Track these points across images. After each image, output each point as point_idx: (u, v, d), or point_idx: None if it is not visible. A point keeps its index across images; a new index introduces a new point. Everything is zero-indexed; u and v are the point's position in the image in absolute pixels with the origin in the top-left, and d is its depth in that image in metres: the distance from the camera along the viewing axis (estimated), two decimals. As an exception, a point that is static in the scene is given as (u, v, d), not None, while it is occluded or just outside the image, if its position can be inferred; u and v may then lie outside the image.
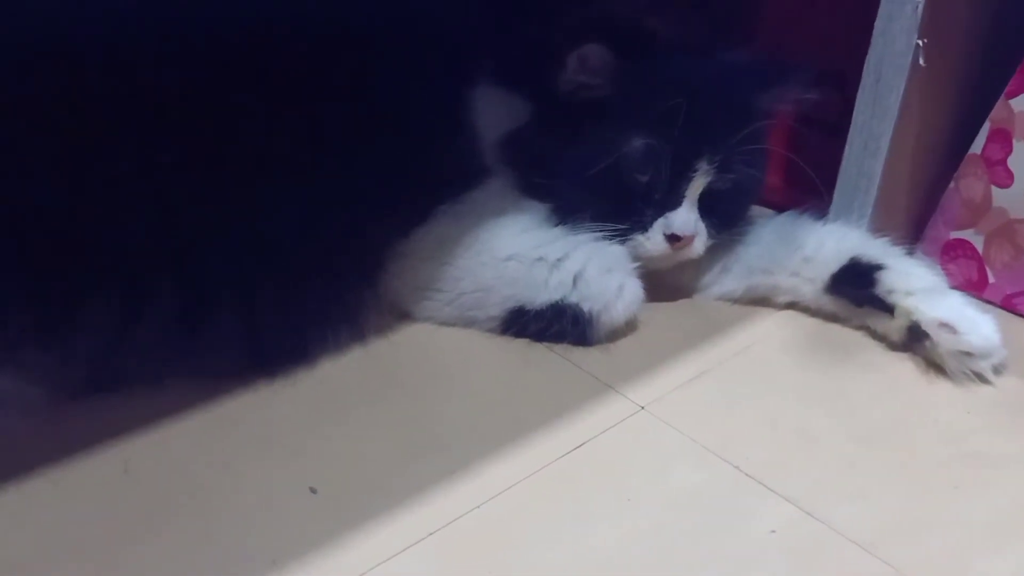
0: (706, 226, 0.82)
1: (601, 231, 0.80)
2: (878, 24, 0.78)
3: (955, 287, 0.83)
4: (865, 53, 0.82)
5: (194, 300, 0.71)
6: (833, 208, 0.86)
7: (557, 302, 0.78)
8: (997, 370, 0.76)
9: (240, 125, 0.73)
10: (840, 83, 0.90)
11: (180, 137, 0.71)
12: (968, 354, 0.75)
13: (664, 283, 0.85)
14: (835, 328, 0.84)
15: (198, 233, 0.70)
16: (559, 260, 0.78)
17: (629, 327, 0.80)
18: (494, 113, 0.83)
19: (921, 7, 0.75)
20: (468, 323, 0.81)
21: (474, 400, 0.73)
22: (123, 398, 0.70)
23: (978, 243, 0.86)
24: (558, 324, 0.78)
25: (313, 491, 0.63)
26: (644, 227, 0.80)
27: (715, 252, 0.85)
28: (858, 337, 0.82)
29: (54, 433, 0.67)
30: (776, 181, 0.94)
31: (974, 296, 0.86)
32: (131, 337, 0.69)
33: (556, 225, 0.80)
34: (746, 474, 0.66)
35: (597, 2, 0.87)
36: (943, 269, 0.88)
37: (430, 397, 0.74)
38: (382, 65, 0.80)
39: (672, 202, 0.80)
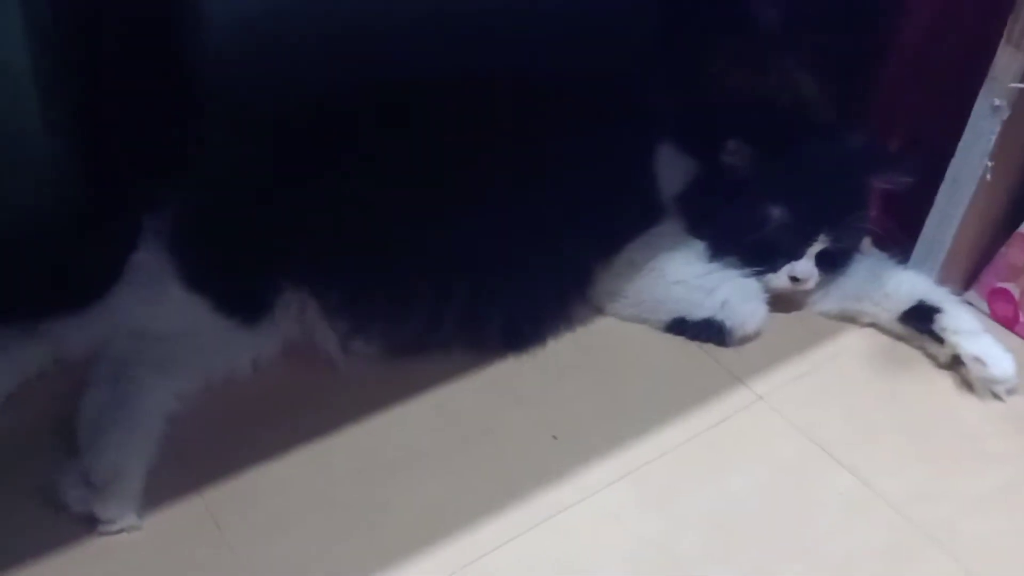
0: (818, 271, 1.16)
1: (743, 269, 1.15)
2: (961, 144, 1.09)
3: (995, 319, 1.17)
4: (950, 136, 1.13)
5: (474, 297, 1.08)
6: (912, 259, 1.20)
7: (709, 318, 1.14)
8: (1010, 392, 1.11)
9: (499, 167, 1.09)
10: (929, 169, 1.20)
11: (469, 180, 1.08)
12: (991, 380, 1.10)
13: (781, 300, 1.20)
14: (901, 346, 1.18)
15: (480, 252, 1.08)
16: (713, 289, 1.14)
17: (756, 336, 1.16)
18: (672, 167, 1.17)
19: (994, 137, 1.06)
20: (643, 321, 1.17)
21: (645, 379, 1.11)
22: (428, 361, 1.09)
23: (1016, 292, 1.18)
24: (707, 332, 1.14)
25: (555, 437, 1.02)
26: (775, 269, 1.15)
27: (821, 282, 1.20)
28: (917, 355, 1.16)
29: (388, 379, 1.07)
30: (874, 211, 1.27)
31: (1008, 329, 1.19)
32: (438, 318, 1.07)
33: (711, 260, 1.16)
34: (824, 451, 1.03)
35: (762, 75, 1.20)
36: (989, 306, 1.21)
37: (616, 373, 1.11)
38: (596, 118, 1.14)
39: (796, 255, 1.14)
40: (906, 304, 1.16)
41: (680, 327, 1.16)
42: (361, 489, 0.95)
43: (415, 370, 1.08)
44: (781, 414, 1.07)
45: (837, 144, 1.16)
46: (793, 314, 1.22)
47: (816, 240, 1.13)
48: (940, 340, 1.13)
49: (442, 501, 0.94)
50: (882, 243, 1.23)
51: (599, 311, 1.19)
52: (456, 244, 1.07)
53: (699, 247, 1.16)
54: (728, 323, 1.14)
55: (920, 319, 1.15)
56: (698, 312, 1.14)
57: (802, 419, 1.06)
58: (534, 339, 1.13)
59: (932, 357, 1.15)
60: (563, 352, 1.13)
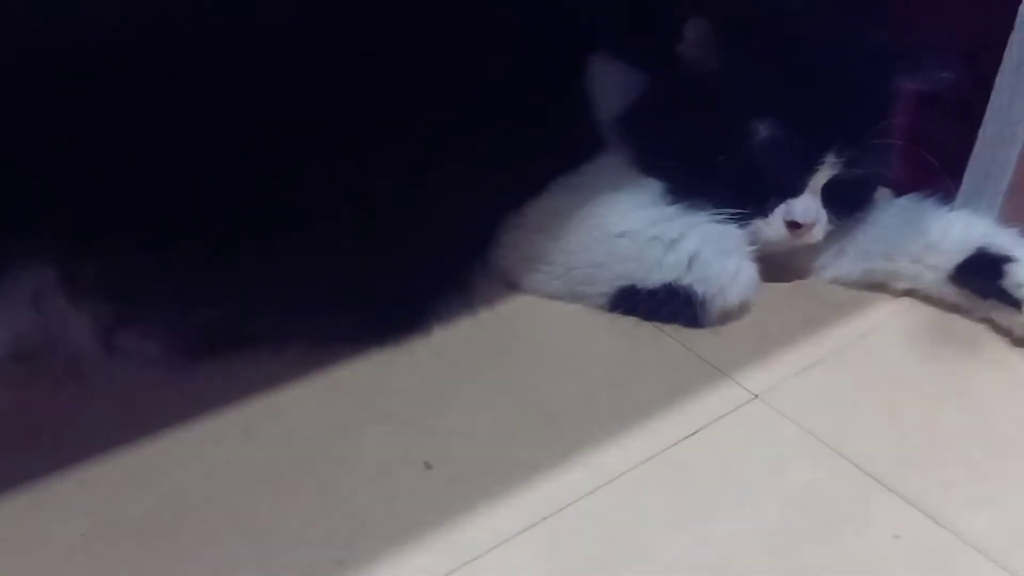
0: (827, 213, 0.79)
1: (719, 213, 0.78)
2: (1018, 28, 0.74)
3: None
4: (1005, 30, 0.78)
5: (308, 266, 0.71)
6: (961, 194, 0.83)
7: (670, 283, 0.76)
8: None
9: (347, 92, 0.72)
10: (974, 63, 0.85)
11: (294, 103, 0.71)
12: (1102, 356, 0.72)
13: (777, 263, 0.83)
14: (956, 319, 0.81)
15: (313, 199, 0.71)
16: (674, 240, 0.76)
17: (742, 310, 0.79)
18: (611, 86, 0.81)
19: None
20: (576, 298, 0.80)
21: (583, 378, 0.73)
22: (243, 361, 0.71)
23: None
24: (669, 305, 0.77)
25: (428, 466, 0.64)
26: (764, 212, 0.78)
27: (831, 233, 0.83)
28: (980, 330, 0.79)
29: (175, 391, 0.68)
30: (899, 163, 0.91)
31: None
32: (246, 298, 0.69)
33: (673, 204, 0.79)
34: (867, 473, 0.65)
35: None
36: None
37: (539, 372, 0.73)
38: (497, 30, 0.78)
39: (794, 190, 0.77)
40: (960, 255, 0.79)
41: (630, 301, 0.78)
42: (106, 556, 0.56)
43: (217, 376, 0.70)
44: (790, 419, 0.69)
45: (847, 28, 0.80)
46: (795, 283, 0.85)
47: (821, 165, 0.76)
48: (1016, 303, 0.76)
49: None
50: (914, 183, 0.86)
51: (512, 286, 0.81)
52: (292, 191, 0.70)
53: (652, 186, 0.80)
54: (700, 288, 0.76)
55: (982, 275, 0.78)
56: (654, 276, 0.77)
57: (821, 427, 0.68)
58: (411, 326, 0.75)
59: (1005, 331, 0.78)
60: (454, 344, 0.75)
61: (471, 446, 0.65)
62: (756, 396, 0.71)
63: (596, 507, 0.61)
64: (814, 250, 0.84)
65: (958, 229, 0.80)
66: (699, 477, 0.64)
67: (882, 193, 0.87)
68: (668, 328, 0.78)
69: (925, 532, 0.60)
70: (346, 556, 0.57)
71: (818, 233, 0.80)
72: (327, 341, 0.73)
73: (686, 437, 0.67)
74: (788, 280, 0.85)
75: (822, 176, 0.77)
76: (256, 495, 0.61)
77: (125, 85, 0.67)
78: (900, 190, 0.86)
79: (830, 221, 0.80)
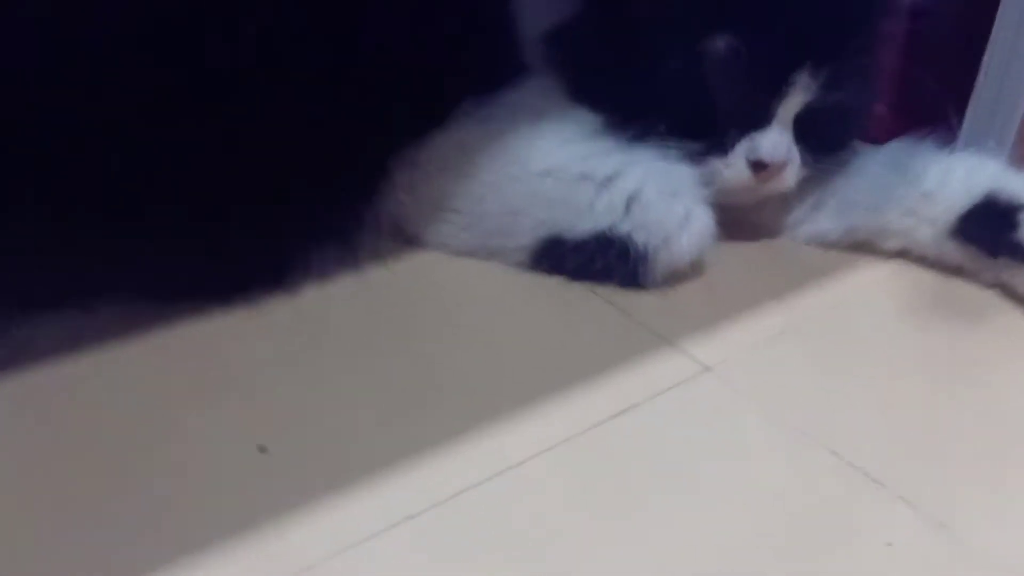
0: (800, 152, 0.64)
1: (668, 150, 0.62)
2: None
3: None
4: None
5: (132, 204, 0.55)
6: (963, 134, 0.68)
7: (604, 231, 0.61)
8: None
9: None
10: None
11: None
12: None
13: (742, 219, 0.68)
14: (959, 284, 0.65)
15: (148, 125, 0.55)
16: (609, 178, 0.61)
17: (695, 269, 0.63)
18: (541, 1, 0.66)
19: None
20: (491, 253, 0.64)
21: (489, 348, 0.57)
22: (50, 323, 0.55)
23: None
24: (603, 259, 0.61)
25: (263, 450, 0.47)
26: (723, 150, 0.63)
27: (807, 183, 0.68)
28: (990, 297, 0.64)
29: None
30: (883, 107, 0.76)
31: None
32: (44, 242, 0.53)
33: (609, 139, 0.63)
34: (848, 463, 0.49)
35: None
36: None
37: (434, 340, 0.57)
38: None
39: (759, 121, 0.62)
40: (963, 204, 0.64)
41: (555, 255, 0.62)
42: None
43: (12, 341, 0.54)
44: (749, 397, 0.54)
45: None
46: (763, 243, 0.70)
47: (792, 89, 0.61)
48: (1033, 260, 0.61)
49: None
50: (907, 123, 0.71)
51: (413, 239, 0.66)
52: (119, 115, 0.54)
53: (585, 118, 0.64)
54: (641, 238, 0.61)
55: (991, 227, 0.63)
56: (584, 222, 0.61)
57: (788, 407, 0.53)
58: (268, 283, 0.59)
59: (1018, 297, 0.63)
60: (330, 306, 0.60)
61: (327, 427, 0.49)
62: (708, 369, 0.56)
63: (485, 500, 0.45)
64: (785, 201, 0.69)
65: (961, 173, 0.65)
66: (629, 465, 0.48)
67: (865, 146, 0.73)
68: (602, 290, 0.62)
69: (924, 537, 0.45)
70: (143, 558, 0.41)
71: (789, 178, 0.65)
72: (158, 298, 0.57)
73: (612, 416, 0.51)
74: (754, 239, 0.69)
75: (793, 103, 0.62)
76: (45, 480, 0.45)
77: None
78: (889, 135, 0.71)
79: (804, 164, 0.65)
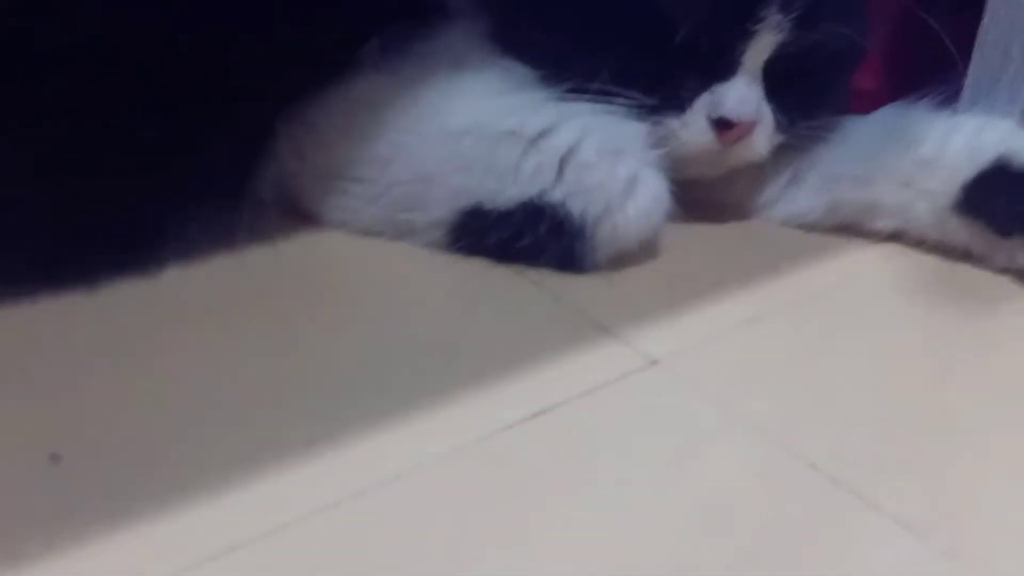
0: (774, 112, 0.54)
1: (613, 103, 0.52)
2: None
3: None
4: None
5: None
6: (968, 89, 0.57)
7: (532, 199, 0.50)
8: None
9: None
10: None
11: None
12: None
13: (705, 196, 0.57)
14: (965, 270, 0.54)
15: None
16: (540, 134, 0.50)
17: (646, 251, 0.52)
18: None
19: None
20: (400, 231, 0.53)
21: (388, 340, 0.46)
22: None
23: None
24: (532, 234, 0.50)
25: (55, 460, 0.36)
26: (680, 105, 0.52)
27: (783, 154, 0.57)
28: (1004, 283, 0.53)
29: None
30: (870, 77, 0.66)
31: None
32: None
33: (542, 92, 0.53)
34: (829, 477, 0.37)
35: None
36: None
37: (319, 332, 0.46)
38: None
39: (723, 70, 0.52)
40: (969, 170, 0.53)
41: (475, 231, 0.51)
42: None
43: None
44: (702, 394, 0.42)
45: None
46: (731, 225, 0.59)
47: (760, 27, 0.51)
48: (1058, 236, 0.50)
49: None
50: (902, 83, 0.61)
51: (308, 217, 0.54)
52: None
53: (514, 68, 0.53)
54: (578, 206, 0.49)
55: (1003, 198, 0.52)
56: (509, 188, 0.50)
57: (750, 406, 0.41)
58: (128, 262, 0.48)
59: (1039, 282, 0.52)
60: (193, 288, 0.48)
61: (150, 433, 0.38)
62: (654, 363, 0.44)
63: (358, 515, 0.34)
64: (758, 175, 0.58)
65: (964, 135, 0.54)
66: (548, 465, 0.37)
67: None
68: (532, 273, 0.51)
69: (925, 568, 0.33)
70: None
71: (760, 142, 0.54)
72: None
73: (532, 416, 0.40)
74: (720, 220, 0.58)
75: (763, 45, 0.51)
76: None
77: None
78: (880, 99, 0.61)
79: (779, 127, 0.54)
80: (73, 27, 0.46)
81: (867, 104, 0.63)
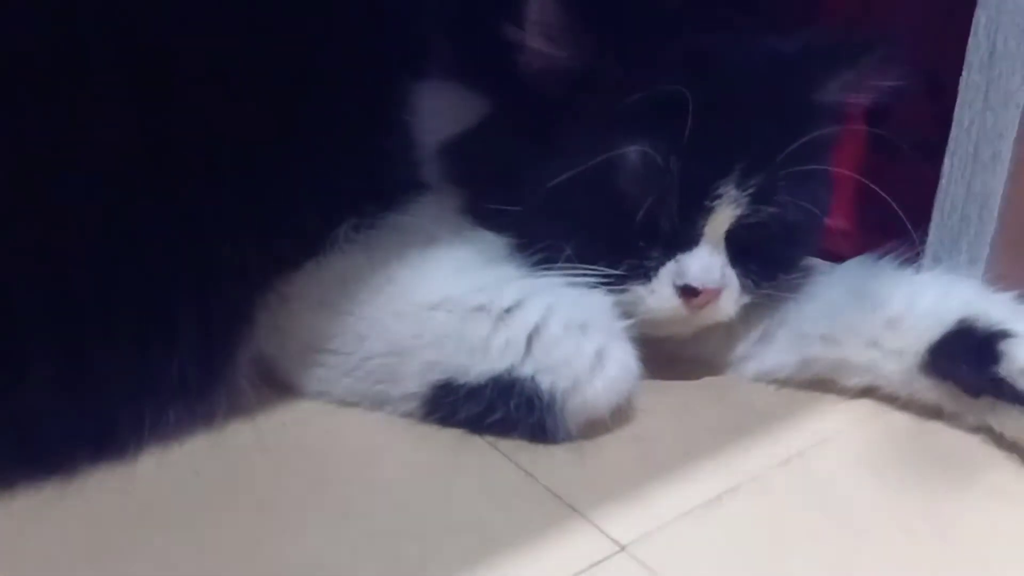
0: (739, 276, 0.55)
1: (580, 276, 0.53)
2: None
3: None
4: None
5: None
6: (930, 247, 0.58)
7: (502, 374, 0.51)
8: None
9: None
10: (932, 89, 0.64)
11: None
12: None
13: (677, 352, 0.58)
14: (939, 428, 0.55)
15: None
16: (508, 310, 0.51)
17: (617, 417, 0.53)
18: (440, 111, 0.58)
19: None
20: (376, 402, 0.54)
21: (365, 525, 0.46)
22: None
23: None
24: (503, 408, 0.51)
25: None
26: (646, 274, 0.54)
27: (754, 310, 0.58)
28: (976, 443, 0.53)
29: None
30: (841, 221, 0.67)
31: None
32: None
33: (513, 266, 0.54)
34: None
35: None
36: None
37: (297, 519, 0.46)
38: (276, 41, 0.55)
39: (686, 241, 0.54)
40: (935, 332, 0.54)
41: (447, 404, 0.52)
42: None
43: None
44: (670, 587, 0.42)
45: (754, 40, 0.58)
46: (704, 381, 0.60)
47: (718, 202, 0.52)
48: (1022, 399, 0.50)
49: None
50: (866, 240, 0.62)
51: (286, 388, 0.55)
52: None
53: (484, 241, 0.55)
54: (546, 381, 0.50)
55: (969, 360, 0.53)
56: (479, 364, 0.51)
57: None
58: (104, 448, 0.49)
59: (1008, 445, 0.52)
60: (173, 476, 0.49)
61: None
62: (622, 548, 0.44)
63: None
64: (729, 333, 0.59)
65: (930, 296, 0.55)
66: None
67: (822, 263, 0.63)
68: (504, 445, 0.51)
69: None
70: None
71: (727, 306, 0.55)
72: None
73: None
74: (694, 377, 0.59)
75: (722, 218, 0.53)
76: None
77: None
78: (847, 256, 0.62)
79: (745, 289, 0.56)
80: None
81: (841, 243, 0.65)
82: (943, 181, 0.57)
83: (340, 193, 0.55)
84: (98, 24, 0.50)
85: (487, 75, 0.57)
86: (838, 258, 0.64)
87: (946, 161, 0.56)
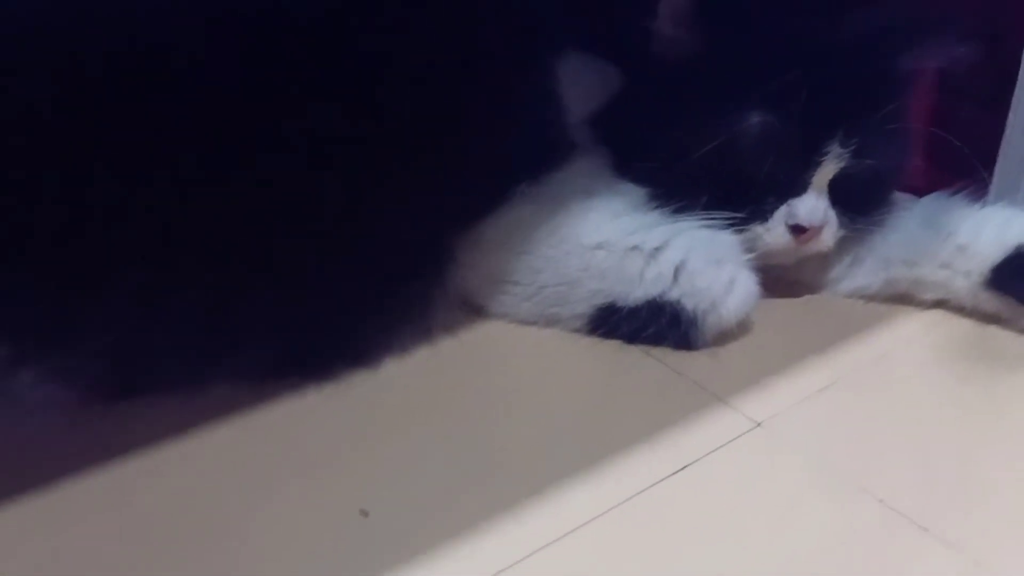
0: (837, 215, 0.69)
1: (711, 219, 0.67)
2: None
3: None
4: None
5: (221, 293, 0.61)
6: (994, 187, 0.72)
7: (655, 298, 0.66)
8: None
9: (271, 93, 0.63)
10: (994, 47, 0.75)
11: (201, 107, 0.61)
12: None
13: (783, 276, 0.72)
14: (997, 332, 0.69)
15: (229, 219, 0.60)
16: (657, 249, 0.66)
17: (741, 328, 0.68)
18: (583, 82, 0.72)
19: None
20: (550, 321, 0.70)
21: (554, 413, 0.62)
22: (158, 405, 0.61)
23: None
24: (655, 324, 0.66)
25: (364, 514, 0.53)
26: (763, 216, 0.68)
27: (845, 240, 0.72)
28: (1025, 343, 0.68)
29: (76, 438, 0.59)
30: (919, 161, 0.80)
31: None
32: (150, 335, 0.60)
33: (655, 211, 0.69)
34: (895, 510, 0.53)
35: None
36: None
37: (504, 407, 0.63)
38: (449, 23, 0.69)
39: (797, 188, 0.67)
40: (997, 255, 0.68)
41: (610, 322, 0.67)
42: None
43: (127, 422, 0.60)
44: (798, 451, 0.58)
45: (842, 18, 0.70)
46: (806, 299, 0.74)
47: (825, 157, 0.66)
48: (1065, 308, 0.65)
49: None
50: (940, 180, 0.75)
51: (479, 311, 0.71)
52: (204, 209, 0.60)
53: (631, 192, 0.70)
54: (690, 303, 0.65)
55: (1023, 277, 0.67)
56: (636, 291, 0.66)
57: (836, 459, 0.57)
58: (352, 360, 0.65)
59: (1055, 343, 0.67)
60: (406, 378, 0.65)
61: (415, 492, 0.55)
62: (758, 424, 0.60)
63: (560, 558, 0.50)
64: (825, 260, 0.73)
65: (992, 226, 0.69)
66: (689, 520, 0.53)
67: (903, 196, 0.77)
68: (656, 351, 0.67)
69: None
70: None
71: (828, 239, 0.69)
72: (254, 380, 0.63)
73: (672, 474, 0.56)
74: (797, 296, 0.74)
75: (827, 170, 0.67)
76: (160, 553, 0.51)
77: None
78: (924, 190, 0.75)
79: (842, 225, 0.69)
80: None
81: (918, 178, 0.78)
82: (1008, 129, 0.69)
83: (516, 160, 0.69)
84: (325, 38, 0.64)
85: (623, 52, 0.71)
86: (916, 191, 0.77)
87: (1011, 113, 0.69)
